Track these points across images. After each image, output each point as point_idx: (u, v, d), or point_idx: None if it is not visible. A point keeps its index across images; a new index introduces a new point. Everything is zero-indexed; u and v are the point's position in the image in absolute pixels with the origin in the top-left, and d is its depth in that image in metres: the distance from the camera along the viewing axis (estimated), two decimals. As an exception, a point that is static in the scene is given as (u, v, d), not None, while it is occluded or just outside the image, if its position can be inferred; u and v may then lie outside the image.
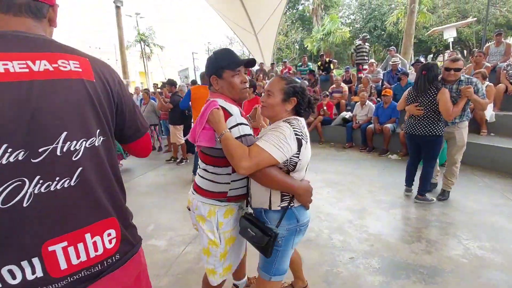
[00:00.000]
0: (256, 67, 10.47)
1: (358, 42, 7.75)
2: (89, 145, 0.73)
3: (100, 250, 0.77)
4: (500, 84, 4.87)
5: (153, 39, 17.85)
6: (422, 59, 8.00)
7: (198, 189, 1.33)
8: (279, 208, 1.25)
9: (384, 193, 3.44)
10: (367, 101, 5.83)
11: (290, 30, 26.64)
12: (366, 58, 7.67)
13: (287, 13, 31.65)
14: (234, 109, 1.22)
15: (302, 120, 1.28)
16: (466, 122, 2.99)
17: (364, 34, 7.97)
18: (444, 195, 3.14)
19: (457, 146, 3.00)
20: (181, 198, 3.68)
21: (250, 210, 1.41)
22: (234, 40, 28.54)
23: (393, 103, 5.30)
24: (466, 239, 2.39)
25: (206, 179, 1.30)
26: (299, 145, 1.17)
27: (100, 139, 0.76)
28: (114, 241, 0.80)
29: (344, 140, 6.11)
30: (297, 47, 28.02)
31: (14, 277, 0.66)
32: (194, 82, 5.76)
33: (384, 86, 6.57)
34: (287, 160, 1.16)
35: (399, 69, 6.50)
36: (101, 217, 0.77)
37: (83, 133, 0.71)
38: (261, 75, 9.03)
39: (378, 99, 6.30)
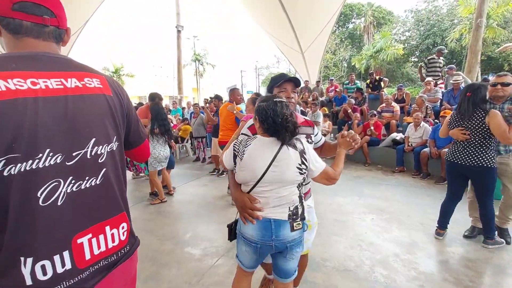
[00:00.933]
0: (302, 85, 10.50)
1: (431, 56, 7.16)
2: (109, 149, 0.85)
3: (116, 242, 0.87)
4: None
5: (206, 59, 19.41)
6: (490, 78, 7.05)
7: None
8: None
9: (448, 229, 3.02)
10: (422, 123, 5.33)
11: (338, 48, 26.34)
12: (439, 74, 7.00)
13: (336, 31, 31.54)
14: (246, 125, 1.51)
15: (258, 139, 1.31)
16: None
17: (440, 47, 7.35)
18: (509, 235, 2.64)
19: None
20: (218, 209, 3.76)
21: None
22: (281, 59, 29.31)
23: (453, 126, 4.74)
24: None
25: None
26: (234, 158, 1.32)
27: (116, 144, 0.88)
28: (125, 233, 0.91)
29: (393, 164, 5.62)
30: (345, 65, 27.45)
31: (45, 273, 0.72)
32: (218, 97, 5.88)
33: (443, 106, 5.96)
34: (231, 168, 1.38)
35: (462, 89, 5.84)
36: (117, 212, 0.88)
37: (105, 139, 0.84)
38: (306, 93, 8.99)
39: (435, 120, 5.72)
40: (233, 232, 1.45)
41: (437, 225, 2.86)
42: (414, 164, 5.19)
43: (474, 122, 2.45)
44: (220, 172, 5.51)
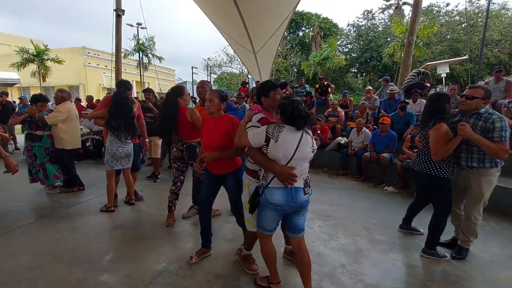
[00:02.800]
0: (253, 85, 10.35)
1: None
2: None
3: None
4: (501, 121, 4.69)
5: (152, 50, 17.76)
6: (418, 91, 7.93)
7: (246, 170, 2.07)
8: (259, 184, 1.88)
9: (381, 232, 3.05)
10: (364, 128, 5.59)
11: (289, 54, 27.29)
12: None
13: (288, 37, 32.70)
14: (254, 118, 1.88)
15: (287, 127, 1.69)
16: (492, 170, 2.36)
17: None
18: (460, 254, 2.53)
19: (472, 197, 2.44)
20: (151, 222, 3.21)
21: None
22: (234, 59, 28.98)
23: (390, 132, 5.06)
24: (481, 300, 2.00)
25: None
26: (267, 139, 1.68)
27: None
28: None
29: (338, 167, 5.79)
30: (295, 70, 28.58)
31: None
32: (148, 90, 5.20)
33: (381, 114, 6.40)
34: (261, 147, 1.72)
35: (397, 98, 6.37)
36: None
37: None
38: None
39: (375, 126, 6.09)
40: (256, 204, 1.87)
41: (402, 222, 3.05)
42: (356, 167, 5.40)
43: (425, 131, 2.48)
44: (157, 177, 4.87)
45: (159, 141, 4.90)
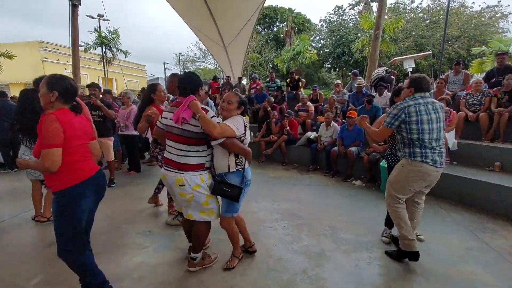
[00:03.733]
0: (223, 81, 10.02)
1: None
2: None
3: None
4: (460, 112, 4.83)
5: (116, 44, 16.55)
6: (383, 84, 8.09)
7: (187, 167, 1.93)
8: (234, 170, 2.00)
9: (346, 230, 2.94)
10: (332, 122, 5.53)
11: (264, 49, 27.09)
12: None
13: (262, 32, 32.49)
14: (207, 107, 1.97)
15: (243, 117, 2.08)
16: (403, 160, 2.28)
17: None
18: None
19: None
20: (99, 232, 2.83)
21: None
22: (208, 54, 28.21)
23: (357, 126, 5.02)
24: (442, 299, 1.92)
25: (192, 156, 1.94)
26: (245, 128, 2.01)
27: None
28: None
29: (308, 162, 5.69)
30: (270, 65, 28.49)
31: None
32: (94, 85, 4.77)
33: (350, 107, 6.39)
34: (239, 136, 1.95)
35: (364, 92, 6.39)
36: None
37: None
38: (226, 90, 8.51)
39: (344, 120, 6.07)
40: (239, 195, 2.01)
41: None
42: (325, 162, 5.33)
43: None
44: (113, 181, 4.42)
45: (111, 142, 4.47)
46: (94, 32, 15.74)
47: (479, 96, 4.81)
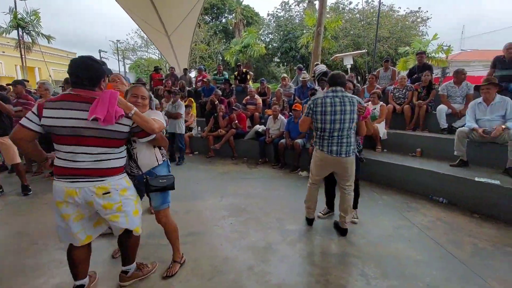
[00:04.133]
0: (167, 72, 9.37)
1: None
2: None
3: None
4: (389, 105, 5.37)
5: (36, 27, 13.98)
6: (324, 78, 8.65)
7: (109, 172, 1.62)
8: (162, 161, 2.01)
9: (292, 221, 3.00)
10: (279, 115, 5.62)
11: (212, 40, 26.30)
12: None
13: (210, 23, 31.47)
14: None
15: None
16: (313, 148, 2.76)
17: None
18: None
19: None
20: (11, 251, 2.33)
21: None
22: (151, 43, 26.13)
23: (303, 118, 5.19)
24: (375, 278, 2.07)
25: (113, 159, 1.64)
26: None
27: None
28: None
29: (258, 155, 5.70)
30: (220, 58, 27.89)
31: None
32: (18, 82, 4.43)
33: (296, 100, 6.59)
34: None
35: (309, 86, 6.65)
36: None
37: None
38: (169, 81, 7.97)
39: (290, 113, 6.23)
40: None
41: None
42: (273, 155, 5.41)
43: None
44: (28, 189, 3.73)
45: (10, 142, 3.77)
46: (9, 13, 13.01)
47: (404, 91, 5.41)
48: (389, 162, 4.21)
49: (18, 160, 3.76)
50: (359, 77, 24.32)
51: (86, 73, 1.53)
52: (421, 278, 2.08)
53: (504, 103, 3.44)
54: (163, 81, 8.26)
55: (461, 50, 25.35)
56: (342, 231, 2.68)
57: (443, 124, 4.68)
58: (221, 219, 3.05)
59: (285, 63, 28.30)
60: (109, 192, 1.60)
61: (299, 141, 4.97)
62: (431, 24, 34.48)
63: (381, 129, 4.92)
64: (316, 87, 6.91)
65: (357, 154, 2.75)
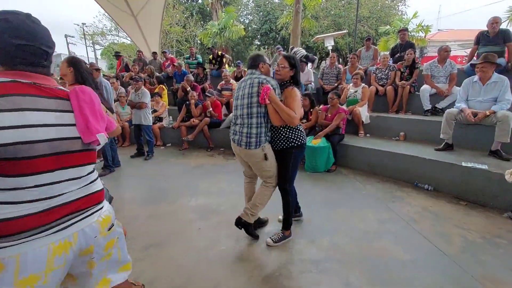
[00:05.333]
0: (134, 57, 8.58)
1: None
2: None
3: None
4: (371, 87, 5.09)
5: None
6: (309, 64, 8.13)
7: (101, 194, 1.10)
8: None
9: (269, 222, 2.68)
10: (256, 101, 5.19)
11: (189, 23, 24.84)
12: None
13: (186, 3, 29.62)
14: None
15: None
16: None
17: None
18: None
19: None
20: None
21: None
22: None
23: (281, 104, 4.81)
24: (359, 287, 1.81)
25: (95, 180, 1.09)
26: None
27: None
28: None
29: (234, 145, 5.30)
30: (198, 41, 26.54)
31: None
32: None
33: (274, 84, 6.17)
34: None
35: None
36: None
37: None
38: (136, 67, 7.25)
39: (268, 98, 5.82)
40: None
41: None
42: (252, 144, 5.03)
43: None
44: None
45: None
46: None
47: (386, 71, 5.13)
48: (372, 148, 3.96)
49: None
50: (340, 59, 24.08)
51: (46, 42, 0.92)
52: (409, 282, 1.84)
53: (500, 84, 3.18)
54: (130, 67, 7.52)
55: (438, 30, 25.61)
56: (237, 221, 2.30)
57: (427, 105, 4.47)
58: (188, 224, 2.67)
59: (266, 46, 27.44)
60: (113, 225, 1.11)
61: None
62: (409, 3, 34.44)
63: (363, 112, 4.65)
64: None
65: (283, 147, 2.14)
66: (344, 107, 4.57)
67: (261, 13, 24.33)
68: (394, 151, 3.72)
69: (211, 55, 8.02)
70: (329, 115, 4.26)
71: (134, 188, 3.64)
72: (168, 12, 21.38)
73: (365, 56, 6.02)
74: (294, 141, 2.12)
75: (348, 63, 5.56)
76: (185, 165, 4.60)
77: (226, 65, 7.97)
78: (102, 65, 29.61)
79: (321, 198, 3.17)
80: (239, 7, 27.80)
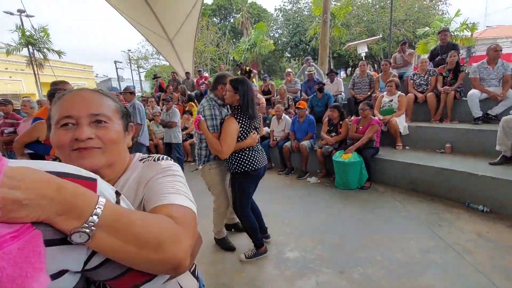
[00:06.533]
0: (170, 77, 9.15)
1: None
2: None
3: None
4: (409, 94, 4.66)
5: (46, 43, 14.36)
6: (342, 73, 7.94)
7: None
8: None
9: (293, 245, 2.49)
10: (283, 115, 5.09)
11: (222, 41, 26.04)
12: None
13: (219, 24, 31.27)
14: None
15: None
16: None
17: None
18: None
19: None
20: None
21: None
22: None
23: (308, 117, 4.64)
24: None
25: None
26: None
27: None
28: None
29: (262, 161, 5.21)
30: (231, 58, 27.62)
31: None
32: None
33: (302, 97, 6.03)
34: None
35: (315, 79, 6.05)
36: None
37: None
38: (170, 88, 7.67)
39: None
40: None
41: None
42: (279, 159, 4.89)
43: None
44: None
45: None
46: (17, 30, 13.48)
47: (426, 76, 4.67)
48: (412, 163, 3.55)
49: None
50: (375, 65, 23.01)
51: None
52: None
53: None
54: (165, 88, 8.00)
55: (486, 27, 23.21)
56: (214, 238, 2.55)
57: (477, 112, 3.93)
58: (207, 246, 2.60)
59: (296, 58, 27.46)
60: None
61: (305, 143, 4.42)
62: (451, 2, 31.92)
63: (401, 123, 4.24)
64: (325, 80, 6.31)
65: (230, 172, 2.18)
66: (377, 117, 4.22)
67: (291, 26, 24.56)
68: (440, 166, 3.28)
69: (239, 71, 8.19)
70: (361, 127, 3.97)
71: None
72: (202, 33, 22.69)
73: (400, 61, 5.59)
74: (236, 167, 2.07)
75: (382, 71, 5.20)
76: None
77: (254, 80, 8.05)
78: (146, 86, 32.27)
79: (353, 220, 2.89)
80: (269, 22, 28.47)
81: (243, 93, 1.96)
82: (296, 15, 24.87)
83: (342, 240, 2.50)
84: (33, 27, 13.27)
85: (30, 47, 13.70)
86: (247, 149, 2.07)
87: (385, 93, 4.58)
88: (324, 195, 3.66)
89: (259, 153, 2.13)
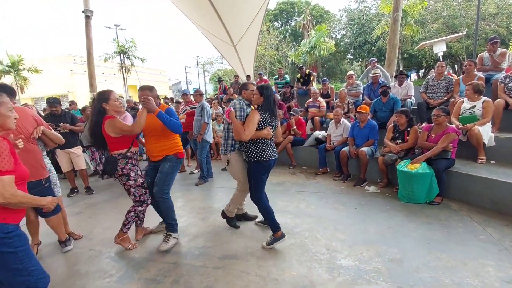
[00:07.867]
0: (232, 80, 9.76)
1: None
2: None
3: None
4: (498, 100, 3.99)
5: (134, 51, 17.00)
6: (413, 74, 7.20)
7: None
8: None
9: (347, 252, 2.42)
10: (342, 119, 4.92)
11: (281, 45, 26.37)
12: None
13: (280, 28, 31.75)
14: None
15: None
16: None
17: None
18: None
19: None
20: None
21: None
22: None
23: (370, 122, 4.39)
24: None
25: None
26: None
27: None
28: None
29: (317, 164, 5.13)
30: (289, 61, 27.72)
31: None
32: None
33: (364, 101, 5.72)
34: None
35: (381, 82, 5.67)
36: None
37: None
38: (231, 89, 8.16)
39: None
40: None
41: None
42: (335, 164, 4.75)
43: None
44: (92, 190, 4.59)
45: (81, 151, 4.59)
46: (113, 41, 16.31)
47: (523, 79, 3.93)
48: (498, 179, 3.05)
49: (84, 166, 4.59)
50: (456, 66, 20.14)
51: None
52: None
53: None
54: (226, 91, 8.56)
55: None
56: (222, 213, 3.08)
57: None
58: (259, 244, 2.71)
59: (359, 59, 25.93)
60: None
61: (365, 149, 4.19)
62: None
63: (486, 132, 3.66)
64: (392, 83, 5.85)
65: (246, 160, 2.58)
66: (454, 125, 3.73)
67: (355, 26, 23.32)
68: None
69: (299, 74, 8.21)
70: (433, 135, 3.57)
71: (220, 200, 3.98)
72: (263, 38, 23.36)
73: (488, 62, 4.80)
74: (251, 156, 2.48)
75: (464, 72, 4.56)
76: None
77: (313, 83, 7.96)
78: (209, 89, 34.88)
79: (416, 236, 2.64)
80: (332, 23, 27.60)
81: (267, 95, 2.44)
82: (362, 14, 23.48)
83: (402, 255, 2.32)
84: (125, 38, 15.93)
85: (121, 55, 16.39)
86: (262, 142, 2.47)
87: (465, 98, 4.02)
88: (384, 205, 3.42)
89: (271, 147, 2.56)
